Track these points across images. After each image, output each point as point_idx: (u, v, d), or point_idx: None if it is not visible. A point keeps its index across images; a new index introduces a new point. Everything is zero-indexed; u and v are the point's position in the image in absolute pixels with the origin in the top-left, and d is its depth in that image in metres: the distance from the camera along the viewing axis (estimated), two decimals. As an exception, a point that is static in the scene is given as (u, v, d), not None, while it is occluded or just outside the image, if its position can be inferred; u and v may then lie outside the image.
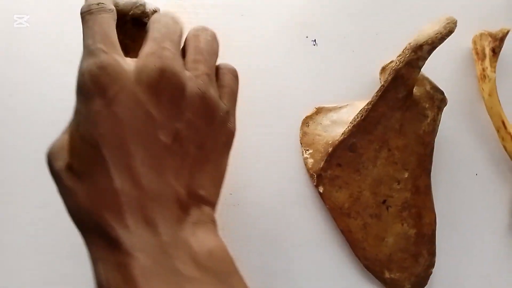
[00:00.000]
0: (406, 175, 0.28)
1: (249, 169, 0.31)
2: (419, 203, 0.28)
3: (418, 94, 0.28)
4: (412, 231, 0.28)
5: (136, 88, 0.19)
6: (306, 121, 0.31)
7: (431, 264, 0.28)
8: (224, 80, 0.23)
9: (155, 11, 0.28)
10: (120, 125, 0.19)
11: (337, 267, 0.29)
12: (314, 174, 0.29)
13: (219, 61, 0.24)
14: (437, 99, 0.28)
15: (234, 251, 0.28)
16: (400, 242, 0.28)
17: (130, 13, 0.27)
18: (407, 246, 0.28)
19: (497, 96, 0.31)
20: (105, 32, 0.20)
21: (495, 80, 0.31)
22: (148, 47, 0.21)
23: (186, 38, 0.23)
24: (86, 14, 0.21)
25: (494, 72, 0.31)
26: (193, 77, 0.21)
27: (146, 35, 0.22)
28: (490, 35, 0.31)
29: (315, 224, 0.30)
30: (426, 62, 0.27)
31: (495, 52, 0.31)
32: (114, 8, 0.22)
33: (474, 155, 0.31)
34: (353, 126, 0.28)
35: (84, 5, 0.21)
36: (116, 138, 0.19)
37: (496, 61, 0.31)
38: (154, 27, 0.22)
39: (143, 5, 0.28)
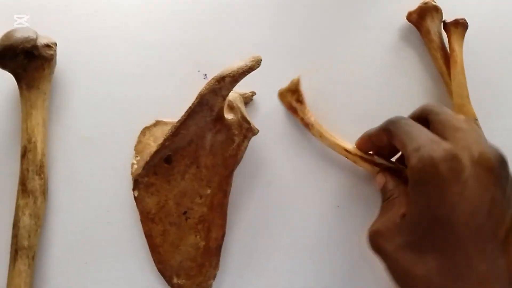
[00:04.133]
0: (208, 191, 0.31)
1: (88, 170, 0.34)
2: (211, 218, 0.31)
3: (232, 120, 0.31)
4: (202, 243, 0.31)
5: (480, 172, 0.21)
6: (144, 131, 0.34)
7: (212, 276, 0.31)
8: None
9: (47, 45, 0.33)
10: (475, 209, 0.21)
11: (135, 269, 0.32)
12: (133, 179, 0.33)
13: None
14: (244, 128, 0.31)
15: (62, 252, 0.32)
16: (191, 251, 0.31)
17: (20, 47, 0.31)
18: (195, 256, 0.31)
19: (329, 133, 0.33)
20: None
21: (317, 122, 0.33)
22: (470, 137, 0.23)
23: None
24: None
25: (312, 116, 0.33)
26: None
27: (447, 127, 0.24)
28: (288, 90, 0.34)
29: (129, 226, 0.32)
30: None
31: (300, 101, 0.33)
32: None
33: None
34: (164, 139, 0.31)
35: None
36: (473, 222, 0.21)
37: (306, 107, 0.34)
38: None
39: (34, 40, 0.32)
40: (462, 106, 0.33)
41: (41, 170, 0.32)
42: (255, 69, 0.29)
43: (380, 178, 0.29)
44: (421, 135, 0.24)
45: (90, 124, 0.35)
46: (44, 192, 0.32)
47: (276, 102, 0.35)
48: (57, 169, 0.34)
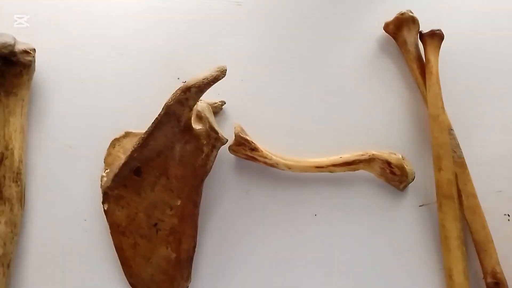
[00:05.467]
0: (179, 202, 0.31)
1: (66, 177, 0.34)
2: (182, 229, 0.30)
3: (200, 130, 0.31)
4: (173, 255, 0.30)
5: None
6: (114, 143, 0.34)
7: (184, 288, 0.30)
8: None
9: (26, 51, 0.33)
10: None
11: (107, 282, 0.31)
12: (102, 191, 0.32)
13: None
14: (213, 137, 0.31)
15: (38, 260, 0.31)
16: (162, 264, 0.30)
17: (-1, 53, 0.30)
18: (167, 269, 0.30)
19: (295, 160, 0.33)
20: None
21: (280, 158, 0.33)
22: None
23: None
24: None
25: (272, 155, 0.33)
26: None
27: None
28: (237, 144, 0.32)
29: (106, 235, 0.32)
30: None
31: (254, 148, 0.32)
32: None
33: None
34: (132, 151, 0.31)
35: None
36: None
37: (262, 150, 0.33)
38: None
39: (12, 46, 0.31)
40: (437, 116, 0.33)
41: (18, 177, 0.31)
42: (220, 79, 0.29)
43: None
44: None
45: (69, 132, 0.34)
46: (21, 199, 0.31)
47: (246, 110, 0.35)
48: (35, 176, 0.33)
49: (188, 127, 0.30)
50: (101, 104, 0.35)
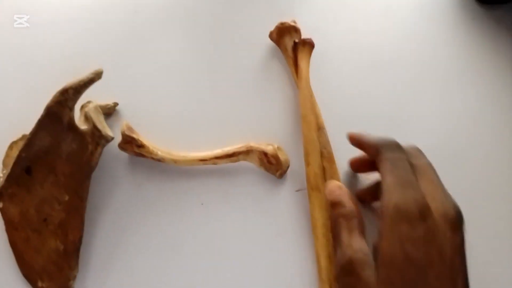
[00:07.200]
0: (66, 197, 0.33)
1: None
2: (69, 222, 0.33)
3: (86, 130, 0.33)
4: (61, 247, 0.33)
5: (443, 225, 0.24)
6: (11, 146, 0.36)
7: (72, 277, 0.32)
8: None
9: None
10: (440, 254, 0.23)
11: (1, 276, 0.34)
12: (-1, 191, 0.34)
13: None
14: (96, 135, 0.33)
15: None
16: (52, 255, 0.33)
17: None
18: (56, 260, 0.32)
19: (182, 155, 0.35)
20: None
21: (168, 155, 0.35)
22: (439, 192, 0.26)
23: None
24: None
25: (159, 150, 0.35)
26: None
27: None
28: (125, 142, 0.35)
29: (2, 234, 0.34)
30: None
31: (141, 145, 0.35)
32: None
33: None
34: (20, 151, 0.33)
35: None
36: (438, 265, 0.23)
37: (149, 146, 0.35)
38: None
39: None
40: (306, 116, 0.36)
41: None
42: (95, 81, 0.32)
43: (335, 187, 0.30)
44: (403, 177, 0.26)
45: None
46: None
47: (140, 110, 0.38)
48: None
49: (72, 127, 0.33)
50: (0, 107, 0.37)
